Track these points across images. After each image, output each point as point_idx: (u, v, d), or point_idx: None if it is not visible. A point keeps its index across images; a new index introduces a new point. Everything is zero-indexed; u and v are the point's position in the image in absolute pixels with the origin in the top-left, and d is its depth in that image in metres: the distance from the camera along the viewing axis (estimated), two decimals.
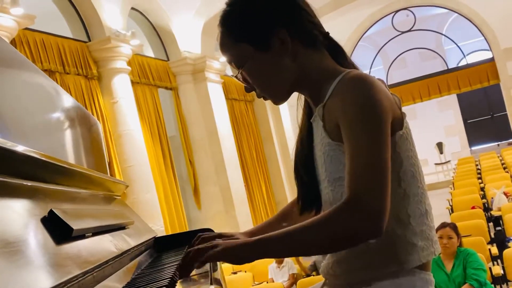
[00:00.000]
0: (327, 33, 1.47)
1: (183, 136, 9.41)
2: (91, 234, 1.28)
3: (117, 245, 1.45)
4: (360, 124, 1.26)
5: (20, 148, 1.09)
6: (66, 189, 1.40)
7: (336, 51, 1.46)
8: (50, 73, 6.37)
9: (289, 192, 12.32)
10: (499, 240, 6.31)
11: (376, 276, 1.36)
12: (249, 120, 12.00)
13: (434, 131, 18.70)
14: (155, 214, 7.48)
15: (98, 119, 6.84)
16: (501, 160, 12.56)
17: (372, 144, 1.24)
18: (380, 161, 1.23)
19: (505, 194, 7.49)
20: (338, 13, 12.92)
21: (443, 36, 17.87)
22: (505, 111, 15.61)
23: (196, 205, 9.56)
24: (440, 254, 4.57)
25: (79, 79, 6.86)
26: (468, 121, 19.99)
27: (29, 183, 1.12)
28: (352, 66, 1.45)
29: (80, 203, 1.51)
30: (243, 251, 1.27)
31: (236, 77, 1.48)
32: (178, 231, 7.68)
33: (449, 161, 17.84)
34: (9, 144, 1.03)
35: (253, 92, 1.48)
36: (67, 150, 1.84)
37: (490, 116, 19.88)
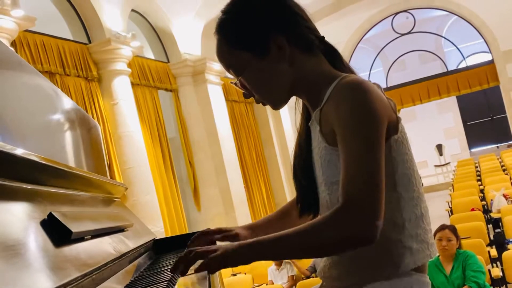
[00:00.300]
0: (323, 37, 1.47)
1: (183, 138, 9.41)
2: (90, 236, 1.28)
3: (116, 247, 1.46)
4: (355, 130, 1.26)
5: (19, 151, 1.09)
6: (65, 192, 1.40)
7: (332, 55, 1.47)
8: (50, 74, 6.37)
9: (288, 194, 12.32)
10: (499, 242, 6.31)
11: (372, 279, 1.37)
12: (249, 122, 12.00)
13: (433, 133, 18.70)
14: (155, 216, 7.47)
15: (98, 121, 6.84)
16: (500, 162, 12.55)
17: (366, 149, 1.25)
18: (374, 167, 1.23)
19: (504, 196, 7.49)
20: (338, 15, 12.93)
21: (442, 38, 17.88)
22: (505, 113, 15.61)
23: (196, 207, 9.56)
24: (439, 256, 4.57)
25: (79, 81, 6.86)
26: (468, 123, 19.99)
27: (28, 186, 1.12)
28: (349, 69, 1.46)
29: (79, 205, 1.51)
30: (241, 254, 1.28)
31: (235, 84, 1.48)
32: (178, 233, 7.68)
33: (448, 163, 17.83)
34: (8, 147, 1.04)
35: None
36: (67, 152, 1.85)
37: (489, 118, 19.87)
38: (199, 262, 1.28)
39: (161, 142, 8.49)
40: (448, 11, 15.44)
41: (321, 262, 1.48)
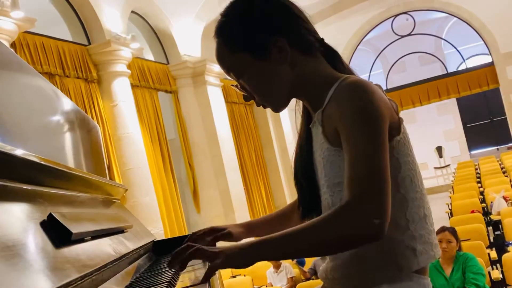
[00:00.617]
0: (322, 39, 1.47)
1: (183, 140, 9.41)
2: (90, 237, 1.28)
3: (116, 248, 1.45)
4: (359, 130, 1.26)
5: (19, 152, 1.09)
6: (65, 193, 1.40)
7: (332, 57, 1.47)
8: (50, 76, 6.37)
9: (288, 196, 12.31)
10: (498, 244, 6.31)
11: (374, 281, 1.36)
12: (249, 123, 12.00)
13: (433, 135, 18.70)
14: (154, 218, 7.47)
15: (98, 122, 6.84)
16: (500, 164, 12.55)
17: (371, 149, 1.24)
18: (381, 165, 1.23)
19: (504, 198, 7.49)
20: (338, 17, 12.94)
21: (442, 40, 17.89)
22: (505, 115, 15.62)
23: (196, 209, 9.55)
24: (439, 258, 4.57)
25: (79, 82, 6.86)
26: (468, 125, 19.99)
27: (28, 187, 1.12)
28: (349, 71, 1.46)
29: (79, 206, 1.51)
30: (243, 256, 1.27)
31: (235, 87, 1.48)
32: (177, 235, 7.67)
33: (448, 165, 17.84)
34: (8, 148, 1.03)
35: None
36: (66, 153, 1.85)
37: (489, 120, 19.89)
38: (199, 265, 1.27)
39: (160, 144, 8.49)
40: (448, 13, 15.46)
41: (323, 264, 1.48)
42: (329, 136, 1.36)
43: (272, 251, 1.29)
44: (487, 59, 15.45)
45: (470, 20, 14.81)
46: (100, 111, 7.05)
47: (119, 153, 7.24)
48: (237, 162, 10.48)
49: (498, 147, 18.95)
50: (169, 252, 2.22)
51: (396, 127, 1.36)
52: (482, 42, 15.16)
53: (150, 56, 9.37)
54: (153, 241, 2.24)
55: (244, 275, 6.64)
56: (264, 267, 6.65)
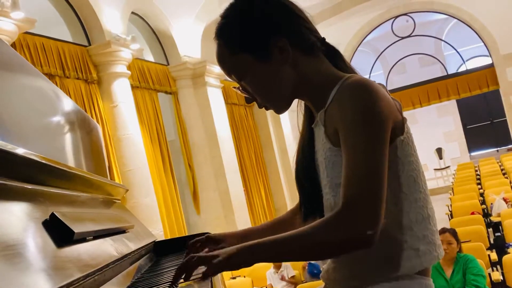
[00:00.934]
0: (324, 39, 1.46)
1: (183, 141, 9.40)
2: (92, 237, 1.28)
3: (117, 248, 1.45)
4: (357, 130, 1.26)
5: (20, 151, 1.08)
6: (66, 193, 1.39)
7: (334, 56, 1.46)
8: (50, 77, 6.36)
9: (288, 197, 12.30)
10: (499, 246, 6.31)
11: (376, 282, 1.35)
12: (249, 125, 11.99)
13: (433, 137, 18.68)
14: (154, 219, 7.46)
15: (98, 123, 6.83)
16: (500, 166, 12.55)
17: (367, 150, 1.24)
18: (376, 168, 1.22)
19: (504, 200, 7.49)
20: (338, 18, 12.93)
21: (442, 42, 17.89)
22: (505, 117, 15.62)
23: (195, 210, 9.54)
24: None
25: (79, 83, 6.86)
26: (468, 127, 19.99)
27: (30, 186, 1.12)
28: (351, 70, 1.45)
29: (80, 206, 1.51)
30: (241, 257, 1.27)
31: (237, 88, 1.47)
32: (177, 236, 7.66)
33: (448, 166, 17.84)
34: (9, 147, 1.03)
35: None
36: (67, 153, 1.84)
37: (489, 122, 19.88)
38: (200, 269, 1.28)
39: (160, 145, 8.48)
40: (448, 15, 15.46)
41: (324, 265, 1.48)
42: (332, 136, 1.35)
43: (267, 253, 1.30)
44: (487, 61, 15.45)
45: (470, 21, 14.82)
46: (100, 112, 7.05)
47: (119, 154, 7.24)
48: (237, 163, 10.47)
49: (498, 148, 18.94)
50: (169, 253, 2.22)
51: (400, 127, 1.35)
52: (482, 43, 15.16)
53: (150, 57, 9.37)
54: (154, 241, 2.23)
55: (244, 276, 6.64)
56: (264, 268, 6.64)
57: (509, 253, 5.16)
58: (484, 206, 8.21)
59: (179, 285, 1.33)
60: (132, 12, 8.50)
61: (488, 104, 19.23)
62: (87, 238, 1.23)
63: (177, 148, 9.37)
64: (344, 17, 13.28)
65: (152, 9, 9.02)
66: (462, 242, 4.81)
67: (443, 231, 4.61)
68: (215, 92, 10.21)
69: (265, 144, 12.55)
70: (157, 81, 8.83)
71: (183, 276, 1.30)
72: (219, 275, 1.54)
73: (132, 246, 1.69)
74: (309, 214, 1.52)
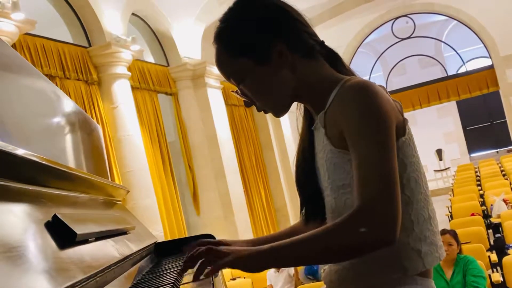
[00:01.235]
0: (323, 42, 1.47)
1: (183, 142, 9.40)
2: (94, 239, 1.28)
3: (119, 250, 1.45)
4: (367, 133, 1.25)
5: (21, 152, 1.08)
6: (68, 194, 1.39)
7: (333, 59, 1.46)
8: (50, 78, 6.36)
9: (288, 198, 12.28)
10: (499, 247, 6.30)
11: (378, 284, 1.35)
12: (249, 126, 11.99)
13: (433, 138, 18.69)
14: (154, 220, 7.46)
15: (98, 124, 6.82)
16: (500, 167, 12.55)
17: (379, 151, 1.24)
18: (390, 168, 1.22)
19: (504, 201, 7.49)
20: (338, 20, 12.94)
21: (442, 43, 17.90)
22: (505, 118, 15.63)
23: (195, 211, 9.53)
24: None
25: (79, 84, 6.86)
26: (468, 128, 19.99)
27: (31, 188, 1.11)
28: (351, 72, 1.45)
29: (82, 207, 1.51)
30: (255, 259, 1.25)
31: (236, 92, 1.47)
32: (177, 237, 7.67)
33: (448, 168, 17.84)
34: (10, 148, 1.03)
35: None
36: (68, 154, 1.84)
37: (489, 123, 19.88)
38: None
39: (160, 146, 8.48)
40: (448, 16, 15.48)
41: (325, 267, 1.47)
42: (332, 137, 1.35)
43: (285, 258, 1.28)
44: (487, 62, 15.46)
45: (470, 23, 14.83)
46: (100, 113, 7.05)
47: (119, 155, 7.23)
48: (237, 165, 10.47)
49: (498, 150, 18.94)
50: (170, 254, 2.22)
51: (401, 128, 1.35)
52: (482, 45, 15.17)
53: (150, 58, 9.37)
54: (155, 242, 2.23)
55: (244, 277, 6.63)
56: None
57: (509, 254, 5.15)
58: (484, 207, 8.21)
59: (181, 286, 1.33)
60: (132, 13, 8.51)
61: (488, 106, 19.23)
62: (89, 239, 1.23)
63: (177, 149, 9.36)
64: (344, 18, 13.29)
65: (152, 10, 9.02)
66: (462, 243, 4.80)
67: (443, 232, 4.60)
68: (215, 93, 10.21)
69: (265, 145, 12.55)
70: (157, 82, 8.82)
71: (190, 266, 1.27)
72: (220, 276, 1.54)
73: (134, 247, 1.69)
74: (311, 217, 1.51)
